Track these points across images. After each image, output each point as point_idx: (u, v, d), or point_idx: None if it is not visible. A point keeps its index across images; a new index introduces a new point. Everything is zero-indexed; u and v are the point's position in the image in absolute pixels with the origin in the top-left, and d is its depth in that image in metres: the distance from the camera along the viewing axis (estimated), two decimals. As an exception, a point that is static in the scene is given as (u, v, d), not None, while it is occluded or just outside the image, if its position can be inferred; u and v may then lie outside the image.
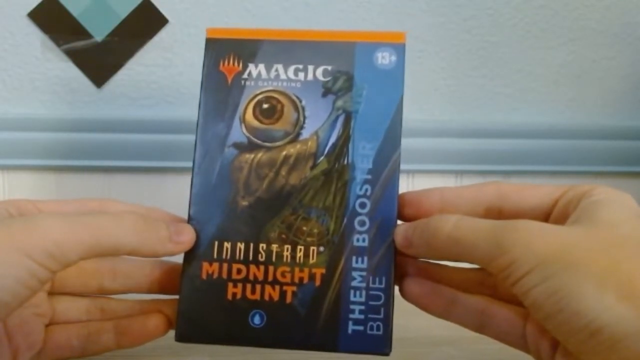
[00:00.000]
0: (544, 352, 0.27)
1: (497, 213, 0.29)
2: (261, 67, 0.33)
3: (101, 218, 0.27)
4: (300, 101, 0.32)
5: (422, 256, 0.30)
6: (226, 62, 0.33)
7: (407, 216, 0.31)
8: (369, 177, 0.31)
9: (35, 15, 0.51)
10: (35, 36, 0.52)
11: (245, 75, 0.33)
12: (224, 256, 0.31)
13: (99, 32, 0.52)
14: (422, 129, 0.54)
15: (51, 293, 0.32)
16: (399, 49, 0.33)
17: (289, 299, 0.30)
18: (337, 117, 0.32)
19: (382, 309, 0.30)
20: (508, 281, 0.24)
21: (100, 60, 0.52)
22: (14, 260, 0.24)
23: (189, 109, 0.54)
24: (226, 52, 0.33)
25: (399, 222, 0.31)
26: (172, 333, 0.31)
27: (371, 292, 0.30)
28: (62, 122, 0.52)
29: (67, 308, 0.32)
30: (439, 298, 0.30)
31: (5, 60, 0.52)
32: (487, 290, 0.30)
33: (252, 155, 0.32)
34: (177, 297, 0.31)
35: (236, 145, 0.32)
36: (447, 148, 0.55)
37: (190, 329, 0.30)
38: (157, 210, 0.33)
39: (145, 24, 0.52)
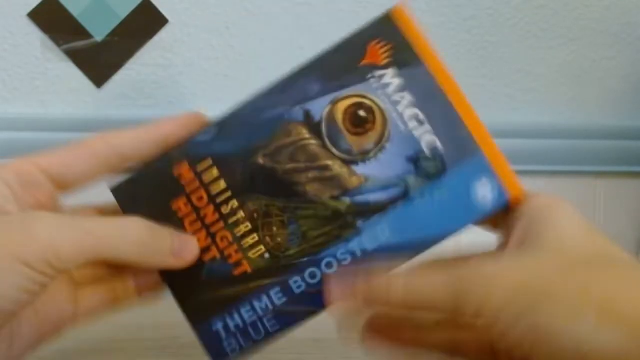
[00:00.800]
0: None
1: None
2: (396, 80, 0.29)
3: (105, 227, 0.26)
4: (388, 141, 0.29)
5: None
6: (377, 46, 0.30)
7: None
8: (358, 254, 0.29)
9: (35, 15, 0.51)
10: (35, 36, 0.52)
11: (377, 72, 0.29)
12: (202, 174, 0.29)
13: (99, 32, 0.52)
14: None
15: None
16: (502, 200, 0.28)
17: (206, 258, 0.30)
18: (395, 186, 0.29)
19: (250, 342, 0.29)
20: (481, 330, 0.24)
21: (100, 60, 0.52)
22: (12, 268, 0.23)
23: (189, 109, 0.54)
24: (386, 38, 0.30)
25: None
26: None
27: (258, 324, 0.29)
28: (62, 122, 0.52)
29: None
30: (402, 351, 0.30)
31: (5, 60, 0.52)
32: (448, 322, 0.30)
33: (307, 137, 0.29)
34: None
35: (306, 114, 0.29)
36: (447, 148, 0.55)
37: (127, 196, 0.30)
38: None
39: (145, 24, 0.52)
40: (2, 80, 0.52)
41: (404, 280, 0.26)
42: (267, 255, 0.29)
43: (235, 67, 0.54)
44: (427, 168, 0.29)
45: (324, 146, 0.29)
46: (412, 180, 0.29)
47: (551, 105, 0.58)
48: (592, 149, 0.57)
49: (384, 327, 0.30)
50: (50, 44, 0.52)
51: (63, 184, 0.29)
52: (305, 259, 0.29)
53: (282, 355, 0.33)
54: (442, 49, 0.58)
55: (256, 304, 0.29)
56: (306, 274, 0.29)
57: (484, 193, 0.28)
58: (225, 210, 0.29)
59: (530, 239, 0.25)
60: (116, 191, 0.30)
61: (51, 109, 0.53)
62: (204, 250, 0.29)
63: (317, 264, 0.29)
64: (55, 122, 0.52)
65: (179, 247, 0.28)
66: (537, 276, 0.23)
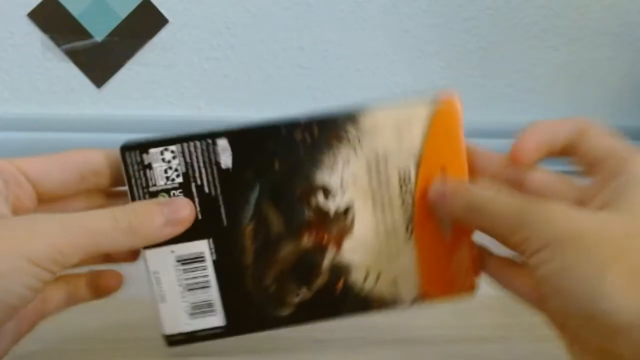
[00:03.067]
0: None
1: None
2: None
3: (98, 220, 0.27)
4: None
5: (446, 215, 0.29)
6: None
7: None
8: None
9: (35, 15, 0.51)
10: (35, 36, 0.52)
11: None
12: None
13: (99, 32, 0.52)
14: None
15: None
16: None
17: None
18: None
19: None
20: (524, 255, 0.25)
21: (100, 60, 0.52)
22: (21, 267, 0.25)
23: (189, 109, 0.54)
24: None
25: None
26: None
27: None
28: (62, 122, 0.52)
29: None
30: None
31: (5, 60, 0.52)
32: None
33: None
34: None
35: None
36: (447, 148, 0.55)
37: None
38: None
39: (145, 24, 0.52)
40: (2, 80, 0.52)
41: (494, 191, 0.27)
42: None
43: (235, 67, 0.54)
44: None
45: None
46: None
47: (551, 105, 0.58)
48: (592, 149, 0.57)
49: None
50: (50, 44, 0.52)
51: (40, 190, 0.29)
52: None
53: (282, 355, 0.33)
54: (442, 49, 0.58)
55: None
56: None
57: None
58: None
59: (610, 201, 0.25)
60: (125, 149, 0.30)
61: (51, 109, 0.53)
62: None
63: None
64: (55, 122, 0.52)
65: (172, 212, 0.28)
66: (594, 231, 0.23)
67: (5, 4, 0.51)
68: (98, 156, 0.30)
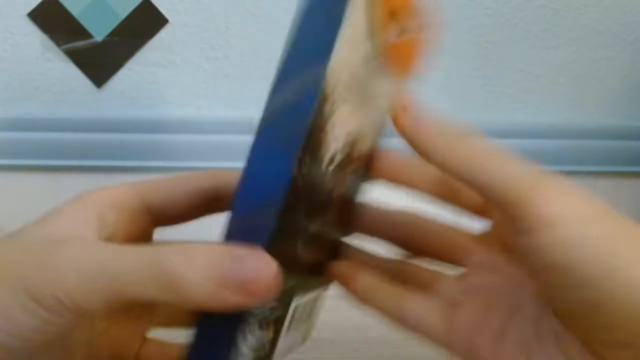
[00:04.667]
0: (478, 349, 0.25)
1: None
2: None
3: (123, 260, 0.20)
4: None
5: (425, 154, 0.24)
6: None
7: None
8: None
9: (35, 15, 0.51)
10: (35, 36, 0.52)
11: None
12: None
13: (99, 32, 0.52)
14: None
15: None
16: None
17: None
18: None
19: None
20: (527, 224, 0.21)
21: (100, 60, 0.52)
22: (17, 299, 0.20)
23: (189, 109, 0.54)
24: None
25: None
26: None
27: None
28: (62, 122, 0.52)
29: None
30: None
31: (5, 60, 0.52)
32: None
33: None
34: None
35: None
36: (447, 148, 0.55)
37: None
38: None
39: (145, 24, 0.52)
40: (2, 80, 0.52)
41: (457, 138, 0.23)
42: None
43: (235, 67, 0.54)
44: None
45: None
46: None
47: (551, 105, 0.58)
48: (591, 149, 0.57)
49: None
50: (50, 44, 0.52)
51: (160, 219, 0.26)
52: None
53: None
54: (442, 49, 0.58)
55: None
56: None
57: None
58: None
59: None
60: None
61: (51, 109, 0.53)
62: None
63: None
64: (55, 122, 0.52)
65: (242, 275, 0.19)
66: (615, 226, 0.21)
67: (5, 4, 0.51)
68: (228, 177, 0.26)
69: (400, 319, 0.27)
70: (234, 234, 0.20)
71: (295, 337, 0.27)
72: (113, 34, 0.52)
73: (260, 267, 0.19)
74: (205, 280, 0.18)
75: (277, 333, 0.24)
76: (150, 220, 0.26)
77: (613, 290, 0.20)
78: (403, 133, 0.24)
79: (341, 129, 0.23)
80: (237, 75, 0.54)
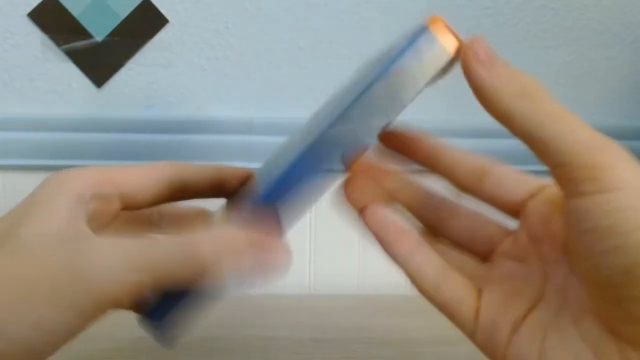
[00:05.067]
0: (501, 331, 0.25)
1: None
2: None
3: (158, 250, 0.23)
4: None
5: (498, 110, 0.25)
6: None
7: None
8: None
9: (35, 15, 0.51)
10: (35, 36, 0.52)
11: None
12: None
13: (99, 32, 0.52)
14: (422, 129, 0.54)
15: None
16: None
17: None
18: None
19: None
20: (593, 186, 0.22)
21: (100, 60, 0.52)
22: (62, 316, 0.21)
23: (189, 109, 0.54)
24: None
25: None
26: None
27: None
28: (62, 122, 0.52)
29: None
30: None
31: (5, 60, 0.52)
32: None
33: None
34: None
35: None
36: (447, 148, 0.55)
37: None
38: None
39: (145, 24, 0.52)
40: (2, 80, 0.52)
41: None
42: None
43: (235, 67, 0.54)
44: None
45: None
46: None
47: (551, 105, 0.58)
48: (592, 149, 0.57)
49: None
50: (50, 44, 0.52)
51: (129, 204, 0.28)
52: None
53: (282, 355, 0.33)
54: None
55: None
56: None
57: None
58: None
59: None
60: None
61: (51, 109, 0.53)
62: None
63: None
64: (55, 122, 0.52)
65: (264, 252, 0.22)
66: None
67: (5, 4, 0.51)
68: (187, 171, 0.28)
69: (435, 293, 0.27)
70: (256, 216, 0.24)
71: None
72: (113, 34, 0.52)
73: (279, 255, 0.23)
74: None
75: None
76: (119, 205, 0.27)
77: None
78: (476, 84, 0.25)
79: None
80: (237, 75, 0.54)
